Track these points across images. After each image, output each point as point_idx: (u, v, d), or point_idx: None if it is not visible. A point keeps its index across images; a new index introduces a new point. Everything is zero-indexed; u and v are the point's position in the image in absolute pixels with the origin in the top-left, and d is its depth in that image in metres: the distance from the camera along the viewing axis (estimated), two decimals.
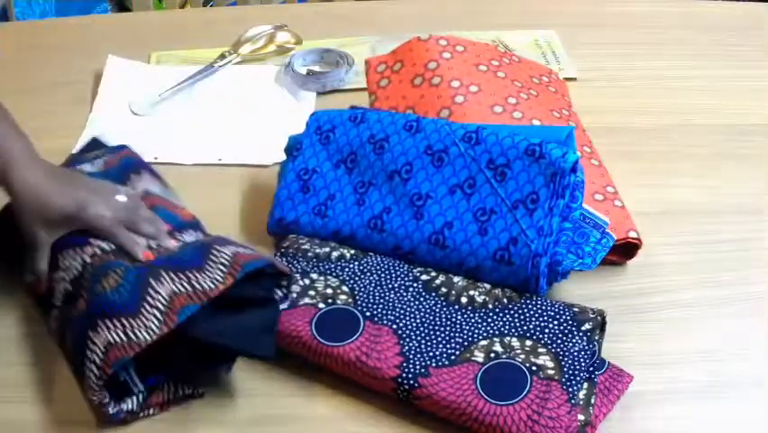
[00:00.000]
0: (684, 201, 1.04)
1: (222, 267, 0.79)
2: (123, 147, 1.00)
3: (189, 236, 0.88)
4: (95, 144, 1.03)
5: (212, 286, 0.78)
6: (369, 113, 0.97)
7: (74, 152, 1.05)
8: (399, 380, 0.78)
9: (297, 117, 1.08)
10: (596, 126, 1.10)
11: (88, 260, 0.82)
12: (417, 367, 0.78)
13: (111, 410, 0.76)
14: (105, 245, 0.83)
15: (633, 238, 0.93)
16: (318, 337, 0.81)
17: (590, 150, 1.03)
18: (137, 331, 0.75)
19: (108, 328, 0.76)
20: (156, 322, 0.76)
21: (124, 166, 0.95)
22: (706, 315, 0.90)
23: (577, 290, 0.88)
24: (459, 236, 0.88)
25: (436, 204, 0.90)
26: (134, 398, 0.78)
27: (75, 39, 1.34)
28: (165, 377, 0.79)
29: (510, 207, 0.87)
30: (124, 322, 0.76)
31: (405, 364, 0.79)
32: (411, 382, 0.78)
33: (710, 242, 0.99)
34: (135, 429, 0.78)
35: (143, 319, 0.76)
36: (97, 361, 0.76)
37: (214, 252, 0.80)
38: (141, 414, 0.78)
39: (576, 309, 0.83)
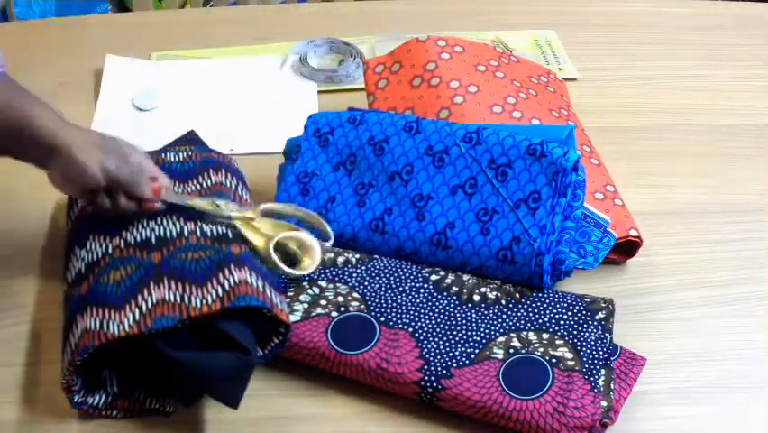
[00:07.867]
0: (684, 201, 1.04)
1: (218, 290, 0.77)
2: (212, 150, 0.99)
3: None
4: (190, 135, 1.04)
5: (197, 305, 0.76)
6: (368, 114, 0.97)
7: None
8: (422, 383, 0.78)
9: (301, 110, 1.09)
10: (596, 126, 1.10)
11: (110, 250, 0.83)
12: (439, 369, 0.78)
13: (76, 398, 0.76)
14: (131, 239, 0.83)
15: (634, 237, 0.93)
16: (336, 347, 0.80)
17: (590, 149, 1.03)
18: (111, 323, 0.75)
19: (91, 315, 0.76)
20: (130, 321, 0.75)
21: (205, 162, 0.95)
22: (706, 315, 0.90)
23: (578, 290, 0.88)
24: (461, 236, 0.88)
25: (438, 204, 0.90)
26: (104, 395, 0.78)
27: (75, 39, 1.33)
28: (141, 388, 0.79)
29: (512, 206, 0.87)
30: (105, 312, 0.76)
31: (426, 367, 0.79)
32: (435, 384, 0.78)
33: (710, 242, 0.99)
34: (134, 429, 0.78)
35: (122, 315, 0.76)
36: (73, 345, 0.76)
37: (226, 271, 0.78)
38: (104, 412, 0.78)
39: (588, 300, 0.84)
